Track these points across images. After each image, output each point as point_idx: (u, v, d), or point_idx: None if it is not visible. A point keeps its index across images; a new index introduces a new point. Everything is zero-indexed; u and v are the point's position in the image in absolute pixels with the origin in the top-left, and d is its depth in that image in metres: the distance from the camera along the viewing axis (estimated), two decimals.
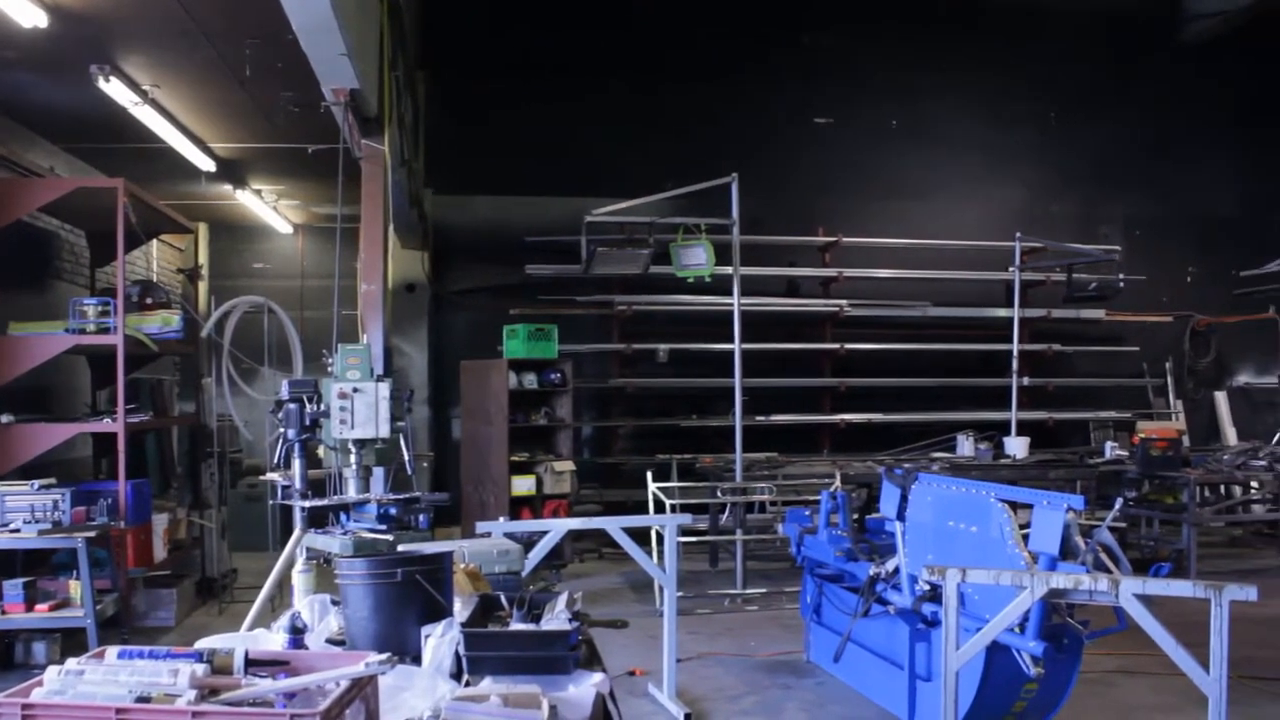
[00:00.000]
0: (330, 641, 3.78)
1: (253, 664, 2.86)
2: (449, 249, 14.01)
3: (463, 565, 4.52)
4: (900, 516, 6.61)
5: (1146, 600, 4.59)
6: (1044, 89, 15.47)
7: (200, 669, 2.69)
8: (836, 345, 14.41)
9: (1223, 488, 12.94)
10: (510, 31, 13.84)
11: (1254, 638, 8.58)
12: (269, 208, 13.35)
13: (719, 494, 10.72)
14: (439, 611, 3.64)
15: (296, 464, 5.89)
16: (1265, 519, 12.90)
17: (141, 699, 2.58)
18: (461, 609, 3.82)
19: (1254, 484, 12.44)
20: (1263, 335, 15.68)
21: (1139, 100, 15.54)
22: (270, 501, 8.44)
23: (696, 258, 10.63)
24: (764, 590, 10.37)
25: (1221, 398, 15.93)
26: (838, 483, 10.09)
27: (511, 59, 13.81)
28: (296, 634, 3.51)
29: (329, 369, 6.17)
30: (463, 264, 14.04)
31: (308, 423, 5.87)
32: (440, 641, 3.46)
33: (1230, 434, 15.52)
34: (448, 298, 14.00)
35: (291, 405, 5.89)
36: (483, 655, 3.42)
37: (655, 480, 10.62)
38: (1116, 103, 15.49)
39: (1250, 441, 14.27)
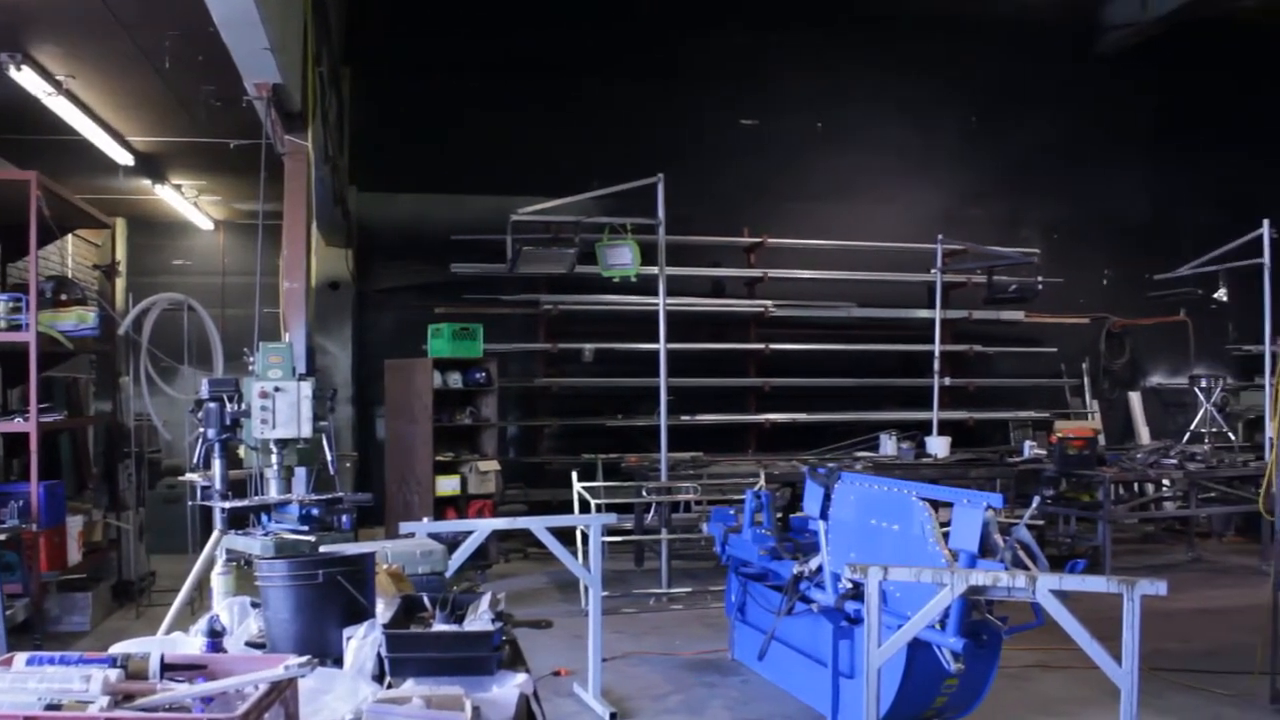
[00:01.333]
0: (250, 644, 3.73)
1: (169, 668, 2.81)
2: (374, 247, 13.88)
3: (385, 566, 4.48)
4: (824, 515, 6.67)
5: (1062, 596, 4.68)
6: (966, 94, 15.72)
7: (114, 674, 2.64)
8: (761, 345, 14.51)
9: (1136, 485, 13.25)
10: (436, 29, 13.75)
11: (1165, 631, 8.81)
12: (189, 203, 13.13)
13: (644, 493, 10.73)
14: (361, 613, 3.60)
15: (217, 464, 5.79)
16: (1176, 515, 13.21)
17: (51, 706, 2.51)
18: (384, 610, 3.79)
19: (1165, 482, 12.74)
20: (1174, 337, 16.07)
21: (1057, 107, 15.86)
22: (190, 503, 8.32)
23: (622, 257, 10.63)
24: (689, 589, 10.41)
25: (1135, 398, 16.30)
26: (762, 482, 10.19)
27: (437, 56, 13.73)
28: (215, 637, 3.45)
29: (250, 368, 6.07)
30: (387, 262, 13.91)
31: (228, 422, 5.77)
32: (362, 643, 3.43)
33: (1143, 433, 15.89)
34: (372, 296, 13.87)
35: (211, 404, 5.78)
36: (405, 657, 3.39)
37: (581, 480, 10.62)
38: (1035, 109, 15.79)
39: (1162, 440, 14.61)
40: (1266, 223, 11.25)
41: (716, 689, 7.58)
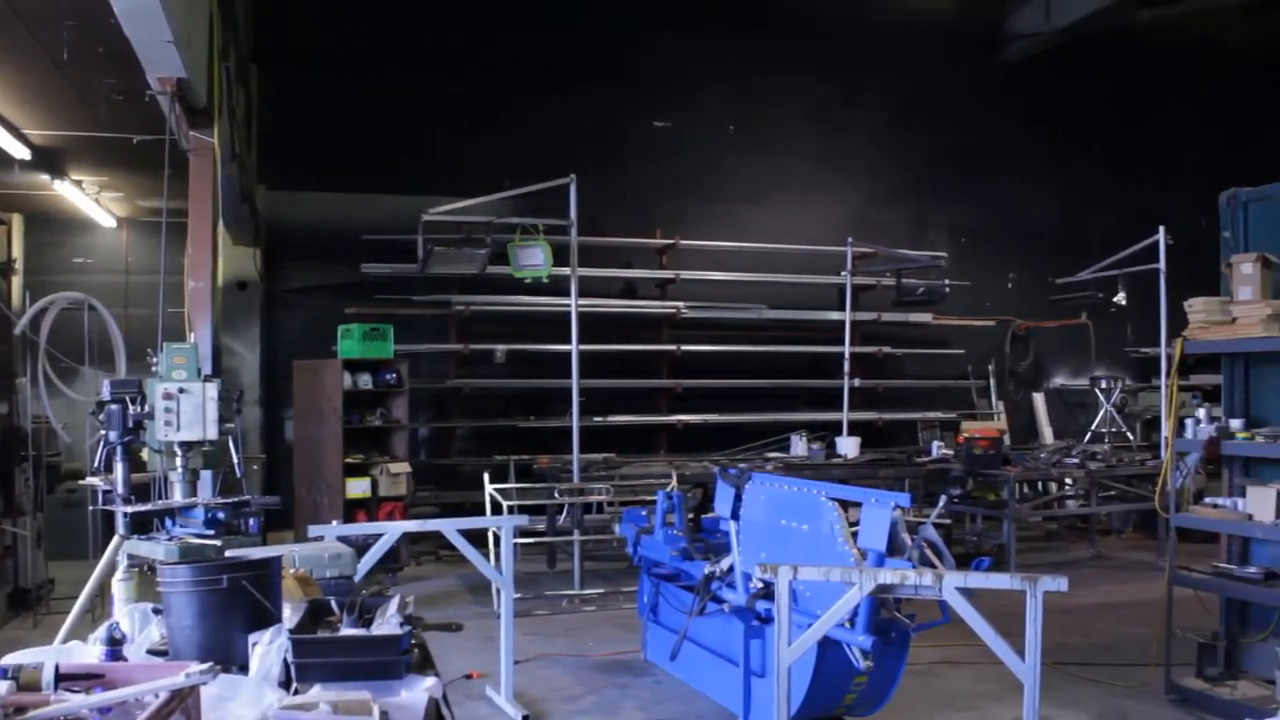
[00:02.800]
0: (152, 652, 3.65)
1: (64, 679, 2.74)
2: (283, 246, 13.66)
3: (293, 570, 4.42)
4: (735, 515, 6.71)
5: (968, 593, 4.77)
6: (876, 99, 15.95)
7: (4, 686, 2.57)
8: (673, 346, 14.56)
9: (1040, 484, 13.53)
10: (347, 26, 13.59)
11: (1068, 625, 9.03)
12: (90, 200, 12.79)
13: (556, 495, 10.71)
14: (267, 618, 3.55)
15: (119, 468, 5.68)
16: (1078, 513, 13.52)
17: None
18: (290, 615, 3.73)
19: (1068, 481, 13.04)
20: (1076, 340, 16.49)
21: (965, 113, 16.17)
22: (91, 507, 8.11)
23: (534, 258, 10.61)
24: (602, 590, 10.41)
25: (1039, 398, 16.68)
26: (674, 483, 10.21)
27: (348, 53, 13.57)
28: (114, 645, 3.38)
29: (154, 369, 5.95)
30: (297, 261, 13.70)
31: (130, 424, 5.66)
32: (268, 649, 3.38)
33: (1047, 433, 16.25)
34: (281, 296, 13.65)
35: (113, 406, 5.67)
36: (311, 662, 3.35)
37: (492, 481, 10.56)
38: (944, 115, 16.09)
39: (1065, 440, 14.98)
40: (1162, 229, 11.58)
41: (629, 690, 7.59)
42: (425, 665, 3.74)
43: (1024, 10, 16.27)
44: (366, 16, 13.65)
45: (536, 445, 13.26)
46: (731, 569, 6.66)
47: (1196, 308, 7.39)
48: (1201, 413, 7.78)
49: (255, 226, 12.92)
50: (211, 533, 5.28)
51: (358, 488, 11.20)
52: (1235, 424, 7.43)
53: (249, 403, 12.72)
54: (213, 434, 5.71)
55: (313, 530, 6.39)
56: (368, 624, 3.71)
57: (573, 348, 10.81)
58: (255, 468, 11.93)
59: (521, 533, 9.99)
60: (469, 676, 7.61)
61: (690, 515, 7.96)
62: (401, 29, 13.75)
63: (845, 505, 6.12)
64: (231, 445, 6.01)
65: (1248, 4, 15.53)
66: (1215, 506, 7.52)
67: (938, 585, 4.79)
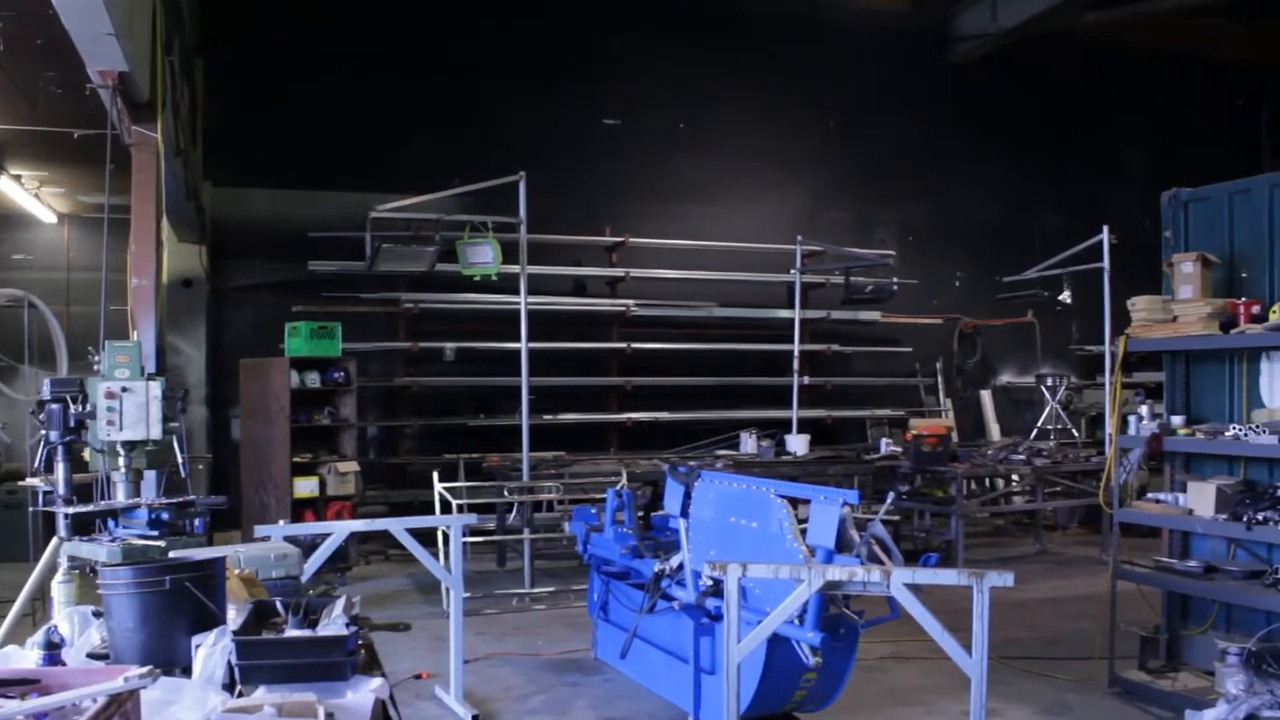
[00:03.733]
0: (93, 656, 3.60)
1: None
2: (229, 243, 13.49)
3: (238, 571, 4.37)
4: (684, 513, 6.72)
5: (915, 589, 4.80)
6: (826, 98, 16.04)
7: None
8: (623, 345, 14.55)
9: (987, 481, 13.67)
10: (295, 21, 13.43)
11: (1014, 620, 9.13)
12: (30, 195, 12.58)
13: (506, 493, 10.68)
14: (211, 620, 3.51)
15: (60, 468, 5.60)
16: (1024, 509, 13.67)
17: None
18: (235, 616, 3.69)
19: (1015, 477, 13.18)
20: (1022, 338, 16.68)
21: (913, 113, 16.29)
22: (31, 509, 7.98)
23: (483, 256, 10.55)
24: (552, 589, 10.39)
25: (986, 396, 16.85)
26: (624, 481, 10.21)
27: (296, 49, 13.43)
28: (52, 649, 3.32)
29: (96, 367, 5.87)
30: (243, 259, 13.54)
31: (72, 424, 5.59)
32: (211, 651, 3.34)
33: (994, 430, 16.43)
34: (227, 293, 13.49)
35: (54, 406, 5.59)
36: (256, 664, 3.31)
37: (442, 480, 10.50)
38: (893, 114, 16.20)
39: (1011, 437, 15.14)
40: (1106, 228, 11.71)
41: (580, 688, 7.58)
42: (372, 666, 3.72)
43: (971, 12, 16.44)
44: (316, 10, 13.51)
45: (486, 444, 13.21)
46: (681, 567, 6.66)
47: (1139, 306, 7.50)
48: (1144, 409, 7.89)
49: (201, 223, 12.77)
50: (155, 534, 5.21)
51: (305, 487, 11.10)
52: (1176, 420, 7.54)
53: (195, 402, 12.58)
54: (156, 433, 5.64)
55: (259, 530, 6.32)
56: (313, 625, 3.67)
57: (522, 346, 10.78)
58: (201, 467, 11.79)
59: (471, 531, 9.95)
60: (418, 677, 7.57)
61: (640, 513, 7.96)
62: (351, 24, 13.63)
63: (794, 502, 6.14)
64: (176, 445, 5.94)
65: (1187, 9, 15.80)
66: (1157, 502, 7.64)
67: (885, 581, 4.82)
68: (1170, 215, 7.99)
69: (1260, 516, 6.66)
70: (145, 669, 2.66)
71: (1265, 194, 7.40)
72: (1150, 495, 8.01)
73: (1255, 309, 6.90)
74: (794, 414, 13.13)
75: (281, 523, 6.85)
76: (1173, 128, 17.53)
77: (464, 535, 7.55)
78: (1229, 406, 7.54)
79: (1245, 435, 6.86)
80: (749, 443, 12.65)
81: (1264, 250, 7.37)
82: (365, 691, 3.33)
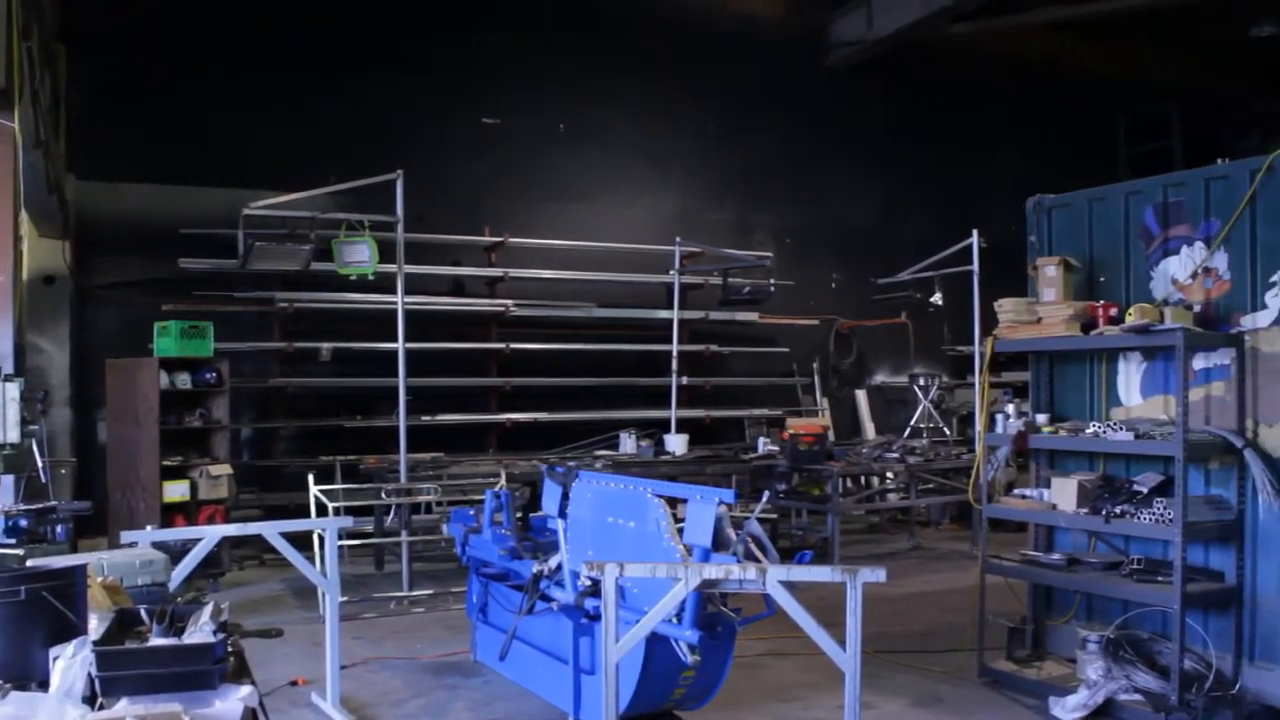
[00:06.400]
0: None
1: None
2: (95, 239, 13.04)
3: (100, 579, 4.23)
4: (562, 514, 6.72)
5: (791, 586, 4.87)
6: (704, 101, 16.19)
7: None
8: (502, 345, 14.48)
9: (863, 479, 13.94)
10: (165, 9, 13.05)
11: (888, 615, 9.33)
12: None
13: (384, 495, 10.57)
14: (70, 630, 3.39)
15: None
16: (898, 506, 13.98)
17: None
18: (97, 626, 3.57)
19: (889, 475, 13.46)
20: (896, 338, 17.06)
21: (790, 117, 16.56)
22: None
23: (359, 255, 10.40)
24: (431, 591, 10.30)
25: (861, 395, 17.19)
26: (502, 482, 10.20)
27: (169, 38, 13.05)
28: None
29: None
30: (111, 256, 13.10)
31: None
32: (70, 663, 3.22)
33: (869, 429, 16.77)
34: (93, 291, 13.05)
35: None
36: (117, 675, 3.21)
37: (318, 483, 10.34)
38: (770, 117, 16.44)
39: (886, 436, 15.47)
40: (975, 232, 12.04)
41: (458, 691, 7.54)
42: (241, 674, 3.63)
43: (847, 19, 16.77)
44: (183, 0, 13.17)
45: (363, 445, 13.04)
46: (560, 567, 6.66)
47: (1005, 308, 7.72)
48: (1011, 408, 8.15)
49: (64, 218, 12.32)
50: (13, 541, 5.03)
51: (176, 491, 10.81)
52: (1041, 419, 7.79)
53: (58, 403, 12.16)
54: (14, 437, 5.45)
55: (125, 536, 6.12)
56: (180, 633, 3.57)
57: (399, 346, 10.66)
58: (65, 472, 11.37)
59: (348, 534, 9.82)
60: (294, 683, 7.43)
61: (519, 514, 7.95)
62: (225, 15, 13.29)
63: (672, 502, 6.18)
64: (35, 448, 5.75)
65: (1050, 22, 16.35)
66: (1024, 498, 7.89)
67: (761, 579, 4.88)
68: (1035, 220, 8.25)
69: (1118, 510, 6.93)
70: None
71: (1121, 202, 7.71)
72: (1017, 491, 8.27)
73: (1113, 311, 7.17)
74: (673, 414, 13.21)
75: (150, 528, 6.66)
76: (1039, 136, 18.12)
77: (340, 538, 7.44)
78: (1090, 405, 7.82)
79: (1104, 433, 7.12)
80: (628, 443, 12.69)
81: (1120, 255, 7.68)
82: (234, 700, 3.25)
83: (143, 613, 3.75)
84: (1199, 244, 7.14)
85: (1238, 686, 6.68)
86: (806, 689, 7.45)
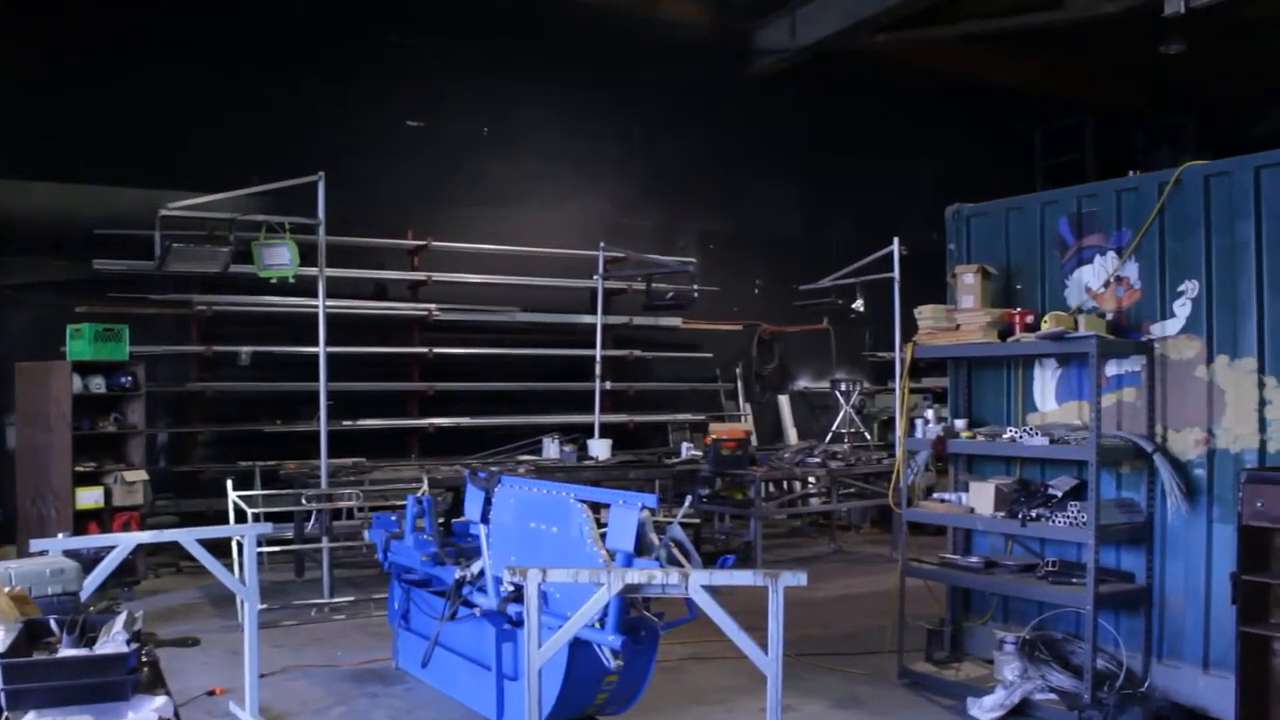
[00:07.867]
0: None
1: None
2: (6, 239, 12.70)
3: (7, 589, 4.14)
4: (485, 519, 6.70)
5: (713, 590, 4.91)
6: (629, 107, 16.21)
7: None
8: (425, 349, 14.36)
9: (785, 483, 14.04)
10: (83, 6, 12.76)
11: (809, 618, 9.42)
12: None
13: (304, 501, 10.44)
14: None
15: None
16: (820, 510, 14.11)
17: None
18: (3, 638, 3.49)
19: (811, 479, 13.59)
20: (818, 344, 17.23)
21: (714, 124, 16.65)
22: None
23: (280, 257, 10.25)
24: (352, 598, 10.19)
25: (784, 400, 17.33)
26: (425, 487, 10.13)
27: (84, 35, 12.74)
28: None
29: None
30: (20, 256, 12.75)
31: None
32: None
33: (791, 434, 16.91)
34: (3, 292, 12.73)
35: None
36: (25, 688, 3.14)
37: (237, 488, 10.19)
38: (695, 124, 16.50)
39: (808, 441, 15.61)
40: (896, 240, 12.19)
41: (380, 699, 7.47)
42: (156, 684, 3.57)
43: (771, 28, 16.89)
44: None
45: (283, 450, 12.84)
46: (482, 573, 6.65)
47: (925, 315, 7.84)
48: (930, 413, 8.28)
49: None
50: None
51: (89, 498, 10.57)
52: (959, 424, 7.93)
53: None
54: None
55: (35, 544, 5.98)
56: (91, 643, 3.50)
57: (321, 350, 10.54)
58: None
59: (267, 541, 9.67)
60: (212, 693, 7.31)
61: (441, 520, 7.91)
62: (142, 10, 13.04)
63: (595, 507, 6.19)
64: None
65: (971, 37, 16.64)
66: (942, 501, 8.02)
67: (684, 584, 4.91)
68: (954, 229, 8.40)
69: (1033, 513, 7.07)
70: None
71: (1037, 211, 7.88)
72: (936, 495, 8.40)
73: (1029, 318, 7.32)
74: (596, 419, 13.21)
75: (61, 535, 6.51)
76: (959, 146, 18.39)
77: (259, 545, 7.33)
78: (1007, 410, 7.98)
79: (1020, 437, 7.25)
80: (551, 448, 12.66)
81: (1036, 263, 7.84)
82: (147, 711, 3.20)
83: (52, 623, 3.67)
84: (1111, 253, 7.31)
85: (1147, 684, 6.85)
86: (729, 692, 7.49)
